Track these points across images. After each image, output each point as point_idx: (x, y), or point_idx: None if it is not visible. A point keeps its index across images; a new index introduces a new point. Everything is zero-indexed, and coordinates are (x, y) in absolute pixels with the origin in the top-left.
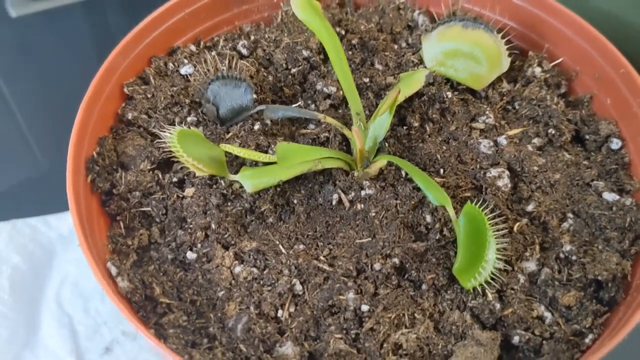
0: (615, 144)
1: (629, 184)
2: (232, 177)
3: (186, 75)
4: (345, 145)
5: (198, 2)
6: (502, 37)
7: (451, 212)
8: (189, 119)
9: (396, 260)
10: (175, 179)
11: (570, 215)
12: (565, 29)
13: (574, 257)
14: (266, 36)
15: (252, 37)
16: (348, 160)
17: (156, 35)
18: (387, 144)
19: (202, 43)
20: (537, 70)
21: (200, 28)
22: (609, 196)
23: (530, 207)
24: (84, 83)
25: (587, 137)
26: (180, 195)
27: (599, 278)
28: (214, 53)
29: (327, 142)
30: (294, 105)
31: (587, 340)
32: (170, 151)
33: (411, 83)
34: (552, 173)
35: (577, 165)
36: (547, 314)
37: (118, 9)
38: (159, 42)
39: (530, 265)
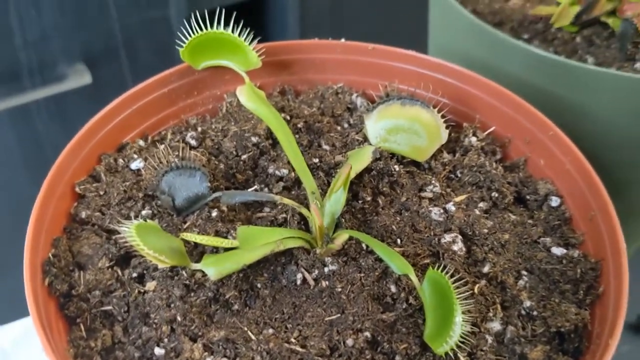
0: (555, 201)
1: (573, 237)
2: (195, 266)
3: (137, 169)
4: (304, 224)
5: (144, 98)
6: (438, 112)
7: (414, 279)
8: (143, 212)
9: (367, 333)
10: (135, 274)
11: (524, 272)
12: (492, 100)
13: (534, 313)
14: (213, 126)
15: (200, 129)
16: (308, 239)
17: (105, 133)
18: (343, 219)
19: (149, 138)
20: (473, 139)
21: (147, 123)
22: (557, 250)
23: (486, 269)
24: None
25: (527, 197)
26: (142, 290)
27: (562, 330)
28: (163, 146)
29: (285, 223)
30: (249, 190)
31: None
32: (129, 246)
33: (360, 159)
34: (501, 234)
35: (523, 224)
36: None
37: (45, 117)
38: (108, 140)
39: (495, 325)
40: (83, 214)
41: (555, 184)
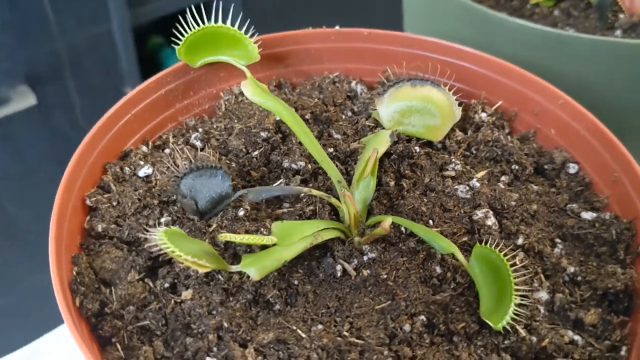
0: (572, 168)
1: (598, 201)
2: (235, 267)
3: (146, 176)
4: (334, 215)
5: (142, 102)
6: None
7: (461, 257)
8: (162, 219)
9: (423, 317)
10: (166, 284)
11: (558, 240)
12: (496, 75)
13: (579, 278)
14: (215, 126)
15: (201, 129)
16: (343, 229)
17: (106, 141)
18: (373, 206)
19: (150, 143)
20: (483, 115)
21: (145, 129)
22: (587, 215)
23: (520, 241)
24: None
25: (545, 167)
26: (178, 300)
27: (610, 291)
28: (167, 151)
29: (314, 215)
30: (275, 185)
31: (622, 353)
32: (161, 254)
33: (378, 144)
34: (529, 205)
35: (547, 194)
36: (577, 337)
37: None
38: (110, 148)
39: (543, 295)
40: (99, 228)
41: (569, 152)
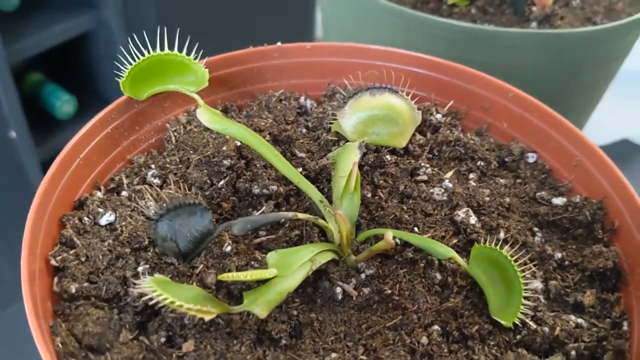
0: (531, 157)
1: (562, 186)
2: (239, 308)
3: (108, 224)
4: (322, 235)
5: (90, 144)
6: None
7: (459, 260)
8: (140, 268)
9: (437, 327)
10: (162, 339)
11: (536, 229)
12: (441, 76)
13: (566, 262)
14: (168, 160)
15: (154, 166)
16: (334, 249)
17: (59, 192)
18: (359, 219)
19: (102, 188)
20: (439, 116)
21: (94, 173)
22: (558, 200)
23: (502, 235)
24: None
25: (506, 159)
26: (180, 355)
27: (601, 269)
28: (125, 194)
29: (301, 240)
30: (257, 214)
31: (625, 327)
32: (144, 308)
33: (349, 157)
34: (502, 198)
35: (514, 185)
36: (580, 320)
37: None
38: (64, 199)
39: (537, 284)
40: (72, 289)
41: (525, 142)
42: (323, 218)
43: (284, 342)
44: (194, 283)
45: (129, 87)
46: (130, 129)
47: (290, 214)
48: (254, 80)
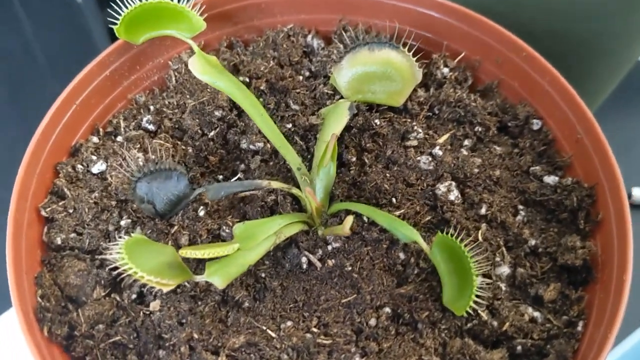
0: (536, 124)
1: (561, 160)
2: (199, 278)
3: (100, 173)
4: (296, 204)
5: (87, 88)
6: (408, 50)
7: (424, 245)
8: (122, 222)
9: (388, 309)
10: (134, 296)
11: (520, 207)
12: (457, 24)
13: (540, 250)
14: (167, 102)
15: (152, 108)
16: (305, 219)
17: (55, 139)
18: (334, 189)
19: (100, 130)
20: (445, 70)
21: (94, 114)
22: (550, 179)
23: (483, 210)
24: None
25: (509, 124)
26: (147, 312)
27: (570, 265)
28: (120, 139)
29: (276, 204)
30: (233, 180)
31: (579, 328)
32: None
33: (337, 119)
34: (492, 170)
35: (510, 155)
36: (537, 314)
37: None
38: (59, 145)
39: (505, 269)
40: (58, 240)
41: (533, 105)
42: (299, 185)
43: (246, 304)
44: (170, 242)
45: (125, 32)
46: (131, 69)
47: (265, 183)
48: (262, 15)
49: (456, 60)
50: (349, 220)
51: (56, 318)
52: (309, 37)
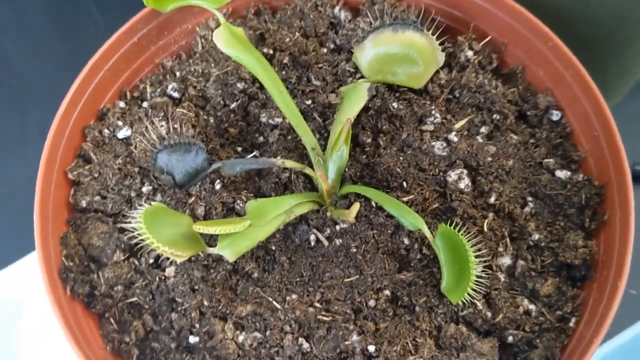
0: (555, 115)
1: (576, 154)
2: (211, 250)
3: (125, 138)
4: (309, 182)
5: (116, 54)
6: (435, 28)
7: (428, 234)
8: (144, 189)
9: (387, 292)
10: (151, 260)
11: (529, 198)
12: (488, 6)
13: (542, 244)
14: (192, 69)
15: (178, 74)
16: (316, 199)
17: (83, 104)
18: (346, 170)
19: (128, 94)
20: (469, 53)
21: (122, 79)
22: (561, 174)
23: (492, 199)
24: None
25: (528, 113)
26: (162, 277)
27: (570, 263)
28: (145, 105)
29: (290, 181)
30: (249, 156)
31: (571, 324)
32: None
33: (355, 100)
34: (505, 160)
35: (525, 145)
36: (532, 306)
37: None
38: (88, 109)
39: (506, 260)
40: (83, 202)
41: (555, 96)
42: (312, 165)
43: (256, 275)
44: (187, 211)
45: (153, 1)
46: (159, 34)
47: (279, 162)
48: None
49: (481, 44)
50: (355, 207)
51: (79, 278)
52: (337, 9)
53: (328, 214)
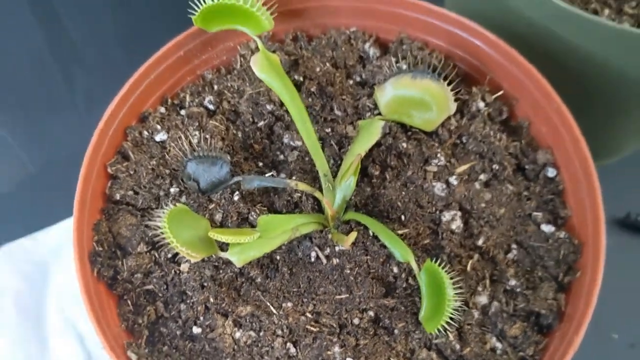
0: (551, 172)
1: (563, 212)
2: (223, 254)
3: (161, 141)
4: (317, 204)
5: (162, 65)
6: (455, 75)
7: (415, 266)
8: (172, 190)
9: (371, 313)
10: (169, 255)
11: (514, 246)
12: (502, 60)
13: (518, 290)
14: (229, 85)
15: (215, 87)
16: (321, 220)
17: (128, 107)
18: (352, 197)
19: (169, 100)
20: (481, 104)
21: (165, 87)
22: (547, 228)
23: (480, 242)
24: None
25: (526, 167)
26: (177, 271)
27: (539, 312)
28: (183, 112)
29: (300, 201)
30: (267, 175)
31: None
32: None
33: (369, 135)
34: (498, 208)
35: (518, 196)
36: (498, 344)
37: None
38: (131, 111)
39: (483, 299)
40: (117, 195)
41: (553, 154)
42: (322, 190)
43: (259, 280)
44: (206, 215)
45: (201, 21)
46: (203, 49)
47: (293, 183)
48: (330, 16)
49: (494, 97)
50: (352, 236)
51: (105, 262)
52: (367, 44)
53: (329, 235)
